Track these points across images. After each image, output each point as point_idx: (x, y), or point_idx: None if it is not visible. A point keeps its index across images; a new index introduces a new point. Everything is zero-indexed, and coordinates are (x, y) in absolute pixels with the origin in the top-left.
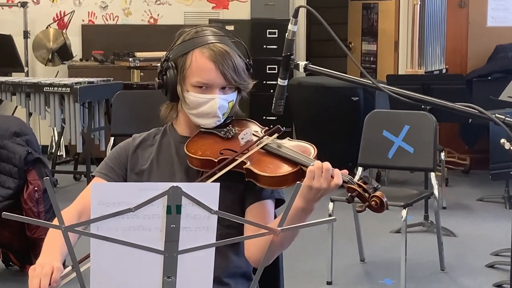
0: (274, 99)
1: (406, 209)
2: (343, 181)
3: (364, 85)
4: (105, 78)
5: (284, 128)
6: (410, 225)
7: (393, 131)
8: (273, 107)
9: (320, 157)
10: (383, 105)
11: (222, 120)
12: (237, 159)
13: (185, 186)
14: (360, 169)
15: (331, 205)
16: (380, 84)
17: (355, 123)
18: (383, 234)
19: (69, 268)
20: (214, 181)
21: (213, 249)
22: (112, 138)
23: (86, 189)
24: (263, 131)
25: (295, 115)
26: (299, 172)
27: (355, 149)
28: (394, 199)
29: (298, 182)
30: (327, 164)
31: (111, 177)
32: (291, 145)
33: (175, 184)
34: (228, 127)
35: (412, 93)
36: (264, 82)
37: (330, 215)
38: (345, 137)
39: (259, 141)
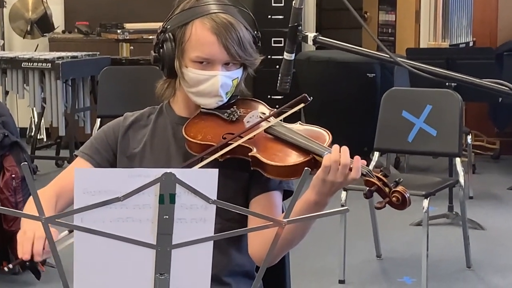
0: (279, 75)
1: (428, 199)
2: (362, 174)
3: (381, 60)
4: (90, 53)
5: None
6: (432, 217)
7: (413, 112)
8: (278, 84)
9: (332, 141)
10: (402, 82)
11: (225, 100)
12: (231, 143)
13: (179, 173)
14: (376, 154)
15: (344, 194)
16: (399, 59)
17: (371, 103)
18: (402, 227)
19: (66, 232)
20: (207, 165)
21: (211, 243)
22: (98, 120)
23: (66, 169)
24: (271, 113)
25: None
26: (312, 162)
27: (371, 132)
28: (415, 188)
29: (306, 168)
30: (345, 159)
31: (95, 159)
32: (303, 130)
33: (168, 170)
34: (232, 108)
35: (435, 68)
36: (269, 56)
37: (342, 206)
38: (359, 119)
39: (263, 122)
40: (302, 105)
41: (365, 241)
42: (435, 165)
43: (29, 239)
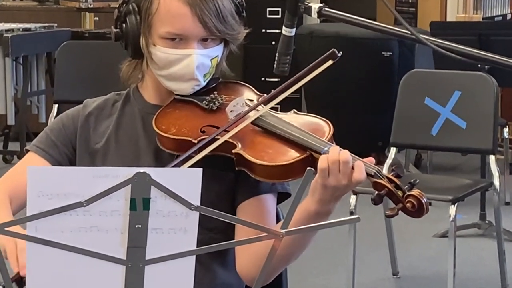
0: (277, 54)
1: (456, 205)
2: (368, 174)
3: (400, 36)
4: (46, 24)
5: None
6: (460, 227)
7: (438, 99)
8: (275, 65)
9: (339, 135)
10: (425, 63)
11: (203, 84)
12: (218, 138)
13: (155, 172)
14: (393, 150)
15: (353, 198)
16: (422, 35)
17: (387, 88)
18: (423, 238)
19: None
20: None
21: (193, 258)
22: (55, 106)
23: (17, 166)
24: (260, 100)
25: None
26: (309, 160)
27: (387, 123)
28: (440, 192)
29: (309, 168)
30: (345, 155)
31: (52, 155)
32: (298, 122)
33: (141, 169)
34: (212, 95)
35: (464, 47)
36: (263, 30)
37: (352, 213)
38: (373, 107)
39: (251, 111)
40: (330, 62)
41: (379, 256)
42: (464, 164)
43: (13, 252)
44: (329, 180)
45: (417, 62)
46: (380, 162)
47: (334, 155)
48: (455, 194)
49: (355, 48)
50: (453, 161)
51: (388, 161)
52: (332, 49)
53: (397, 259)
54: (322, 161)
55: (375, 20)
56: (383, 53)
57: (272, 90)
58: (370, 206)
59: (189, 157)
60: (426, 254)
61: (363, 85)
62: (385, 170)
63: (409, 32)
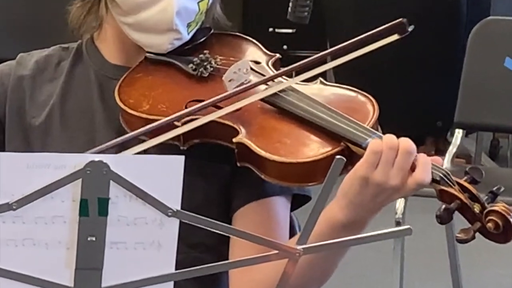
0: None
1: None
2: (433, 180)
3: None
4: None
5: None
6: None
7: None
8: (290, 10)
9: (381, 113)
10: (505, 8)
11: (187, 38)
12: (198, 117)
13: (117, 161)
14: (458, 133)
15: (400, 203)
16: None
17: (450, 44)
18: (501, 262)
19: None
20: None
21: (170, 286)
22: None
23: None
24: (270, 63)
25: (333, 28)
26: (345, 155)
27: (450, 95)
28: None
29: (338, 156)
30: (407, 142)
31: None
32: (328, 97)
33: (97, 157)
34: (202, 55)
35: None
36: None
37: (398, 223)
38: (429, 72)
39: (261, 84)
40: (395, 37)
41: (438, 285)
42: None
43: None
44: (375, 174)
45: (494, 6)
46: (439, 151)
47: (392, 139)
48: None
49: None
50: None
51: (452, 149)
52: (400, 20)
53: None
54: (375, 145)
55: None
56: None
57: (284, 47)
58: (424, 214)
59: (139, 140)
60: (505, 284)
61: (415, 41)
62: (447, 162)
63: None
